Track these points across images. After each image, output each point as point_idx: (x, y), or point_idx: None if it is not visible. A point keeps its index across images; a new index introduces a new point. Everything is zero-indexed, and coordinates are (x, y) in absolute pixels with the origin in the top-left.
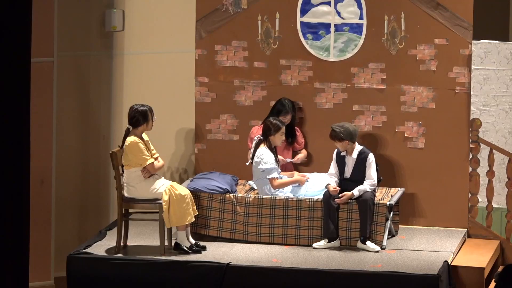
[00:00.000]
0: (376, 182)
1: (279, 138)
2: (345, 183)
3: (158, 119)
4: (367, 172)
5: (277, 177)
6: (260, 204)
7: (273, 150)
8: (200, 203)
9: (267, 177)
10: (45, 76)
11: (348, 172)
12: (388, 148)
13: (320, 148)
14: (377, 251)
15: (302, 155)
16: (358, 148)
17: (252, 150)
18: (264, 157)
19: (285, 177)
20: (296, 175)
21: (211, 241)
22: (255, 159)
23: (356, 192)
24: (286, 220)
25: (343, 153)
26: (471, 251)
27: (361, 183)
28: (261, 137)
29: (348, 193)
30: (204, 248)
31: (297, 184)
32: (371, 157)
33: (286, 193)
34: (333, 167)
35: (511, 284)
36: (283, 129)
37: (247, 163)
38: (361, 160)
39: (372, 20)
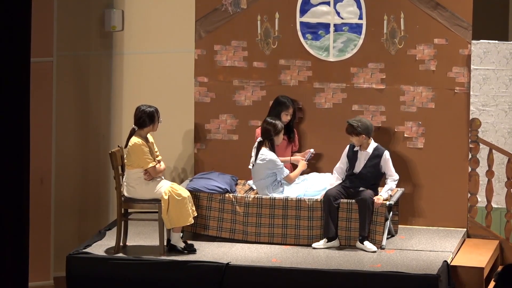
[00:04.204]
0: (397, 177)
1: (280, 138)
2: (352, 179)
3: None
4: (387, 170)
5: (289, 173)
6: (260, 204)
7: (274, 150)
8: (200, 203)
9: (282, 176)
10: (44, 76)
11: (358, 167)
12: (387, 148)
13: (319, 148)
14: (374, 251)
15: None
16: (373, 144)
17: (253, 153)
18: (270, 157)
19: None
20: (301, 164)
21: (211, 241)
22: (259, 161)
23: (385, 194)
24: (286, 220)
25: (356, 148)
26: (471, 251)
27: (369, 181)
28: (262, 139)
29: (380, 197)
30: (192, 246)
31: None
32: (387, 154)
33: (284, 193)
34: (342, 162)
35: (511, 284)
36: (283, 129)
37: (250, 167)
38: (376, 156)
39: (371, 20)
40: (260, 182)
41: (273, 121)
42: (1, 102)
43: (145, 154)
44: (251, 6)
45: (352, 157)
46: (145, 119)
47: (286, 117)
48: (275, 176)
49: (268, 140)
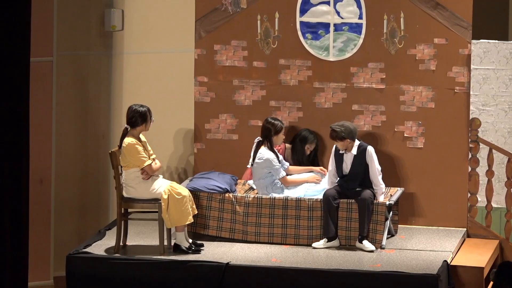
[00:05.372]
0: (380, 175)
1: (280, 138)
2: (344, 181)
3: (158, 119)
4: (371, 168)
5: (285, 175)
6: (260, 204)
7: (274, 150)
8: (200, 202)
9: (277, 178)
10: (44, 75)
11: (346, 169)
12: (387, 148)
13: (319, 148)
14: (372, 251)
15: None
16: (357, 143)
17: (252, 152)
18: (267, 156)
19: (297, 175)
20: (310, 175)
21: (211, 241)
22: (257, 160)
23: (380, 197)
24: (286, 220)
25: (342, 151)
26: (471, 251)
27: (360, 179)
28: (261, 139)
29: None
30: (201, 245)
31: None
32: (370, 150)
33: (285, 193)
34: (332, 164)
35: (507, 280)
36: (283, 129)
37: (249, 166)
38: (360, 154)
39: (371, 20)
40: (259, 182)
41: (273, 121)
42: (1, 102)
43: (140, 153)
44: (251, 5)
45: (338, 160)
46: (137, 118)
47: (307, 150)
48: (273, 175)
49: (267, 139)
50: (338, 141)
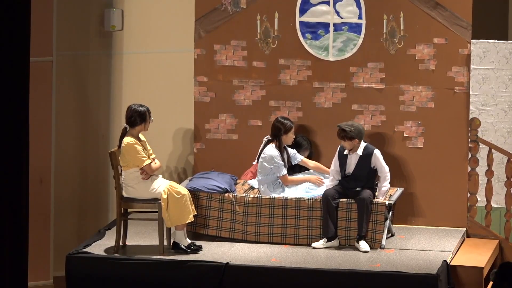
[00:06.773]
0: (388, 173)
1: (290, 138)
2: (347, 181)
3: (157, 119)
4: (380, 170)
5: (286, 174)
6: (259, 204)
7: (282, 150)
8: (199, 202)
9: (277, 175)
10: (44, 75)
11: (350, 169)
12: (387, 148)
13: (319, 148)
14: (366, 251)
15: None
16: (363, 144)
17: (260, 149)
18: (269, 153)
19: (297, 174)
20: (311, 175)
21: (210, 241)
22: (262, 155)
23: (382, 197)
24: (285, 220)
25: (346, 152)
26: (470, 251)
27: (363, 180)
28: (270, 138)
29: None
30: (200, 247)
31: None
32: (377, 153)
33: (285, 193)
34: (335, 164)
35: (507, 281)
36: (293, 128)
37: (254, 162)
38: (366, 156)
39: (371, 20)
40: (261, 178)
41: (283, 120)
42: (1, 102)
43: (139, 152)
44: (251, 5)
45: (343, 160)
46: (136, 118)
47: (302, 154)
48: (275, 173)
49: (276, 138)
50: (346, 140)
